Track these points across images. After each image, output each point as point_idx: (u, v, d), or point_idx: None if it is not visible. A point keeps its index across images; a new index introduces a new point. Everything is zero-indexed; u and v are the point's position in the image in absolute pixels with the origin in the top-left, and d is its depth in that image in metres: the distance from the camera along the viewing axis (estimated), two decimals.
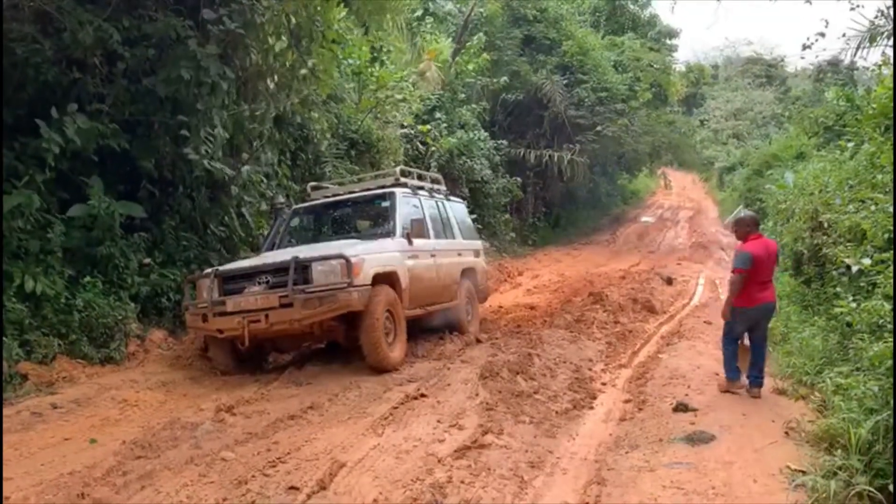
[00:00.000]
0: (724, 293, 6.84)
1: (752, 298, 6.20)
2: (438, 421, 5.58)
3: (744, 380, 6.38)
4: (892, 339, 4.37)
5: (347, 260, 7.12)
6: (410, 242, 8.38)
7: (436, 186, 10.21)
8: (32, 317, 7.17)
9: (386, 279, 7.67)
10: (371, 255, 7.62)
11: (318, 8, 10.28)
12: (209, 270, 7.79)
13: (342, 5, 11.31)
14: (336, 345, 8.18)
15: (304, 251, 7.76)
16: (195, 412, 6.17)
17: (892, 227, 5.67)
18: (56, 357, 7.21)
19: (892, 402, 4.06)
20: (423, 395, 6.31)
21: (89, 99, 8.16)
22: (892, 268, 4.94)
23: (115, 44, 8.04)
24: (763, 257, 6.15)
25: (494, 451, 4.90)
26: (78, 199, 8.09)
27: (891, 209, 5.77)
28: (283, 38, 9.54)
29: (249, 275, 7.52)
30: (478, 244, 11.00)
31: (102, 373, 7.38)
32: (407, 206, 8.85)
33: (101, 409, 6.35)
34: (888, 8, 12.74)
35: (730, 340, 6.44)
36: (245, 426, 5.69)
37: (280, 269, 7.32)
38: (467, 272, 9.90)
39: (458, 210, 10.59)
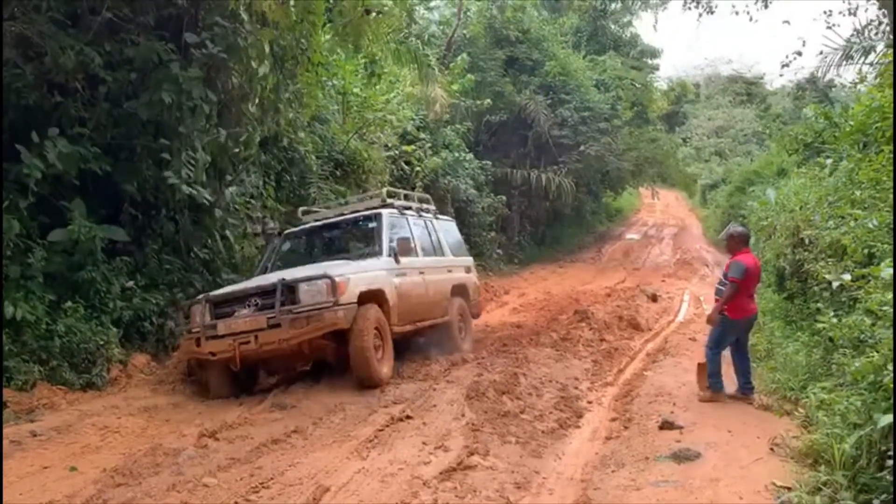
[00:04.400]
0: (707, 306, 6.96)
1: (743, 310, 6.58)
2: (424, 443, 5.54)
3: (727, 391, 6.63)
4: (873, 355, 4.40)
5: (332, 280, 7.32)
6: (397, 261, 8.56)
7: (424, 206, 10.39)
8: (12, 343, 7.09)
9: (373, 297, 7.80)
10: (357, 274, 7.82)
11: (303, 31, 10.35)
12: (200, 297, 7.94)
13: (326, 27, 11.38)
14: (321, 367, 8.17)
15: (292, 273, 7.94)
16: (177, 438, 6.10)
17: (872, 243, 5.72)
18: (36, 384, 7.11)
19: (874, 417, 4.07)
20: (408, 417, 6.28)
21: (71, 123, 8.12)
22: (873, 282, 4.98)
23: (97, 68, 8.04)
24: (753, 270, 6.55)
25: (480, 473, 4.87)
26: (59, 223, 8.03)
27: (870, 224, 5.83)
28: (266, 61, 9.56)
29: (239, 298, 7.69)
30: (468, 261, 11.17)
31: (83, 399, 7.28)
32: (394, 225, 9.05)
33: (82, 436, 6.24)
34: (864, 27, 12.99)
35: (717, 352, 6.64)
36: (228, 451, 5.62)
37: (268, 292, 7.50)
38: (458, 288, 10.05)
39: (447, 228, 10.80)
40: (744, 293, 6.54)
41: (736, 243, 6.78)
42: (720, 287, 6.77)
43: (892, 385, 3.95)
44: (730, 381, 6.76)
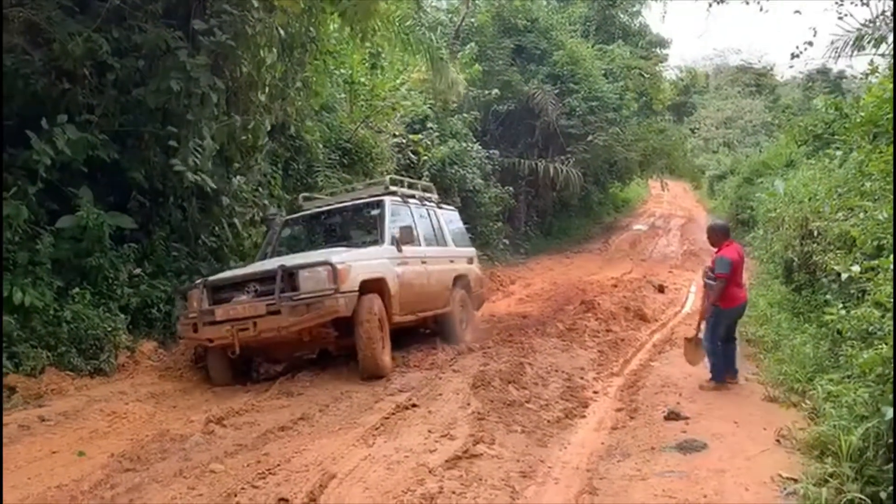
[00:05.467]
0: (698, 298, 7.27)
1: (734, 299, 6.80)
2: (430, 431, 5.55)
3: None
4: (882, 347, 4.38)
5: (333, 267, 7.17)
6: (400, 249, 8.42)
7: (427, 195, 10.27)
8: (21, 329, 7.13)
9: (374, 286, 7.66)
10: (358, 261, 7.68)
11: (312, 20, 10.31)
12: (199, 281, 7.81)
13: (334, 15, 11.34)
14: (327, 355, 8.18)
15: (293, 259, 7.81)
16: (185, 424, 6.14)
17: (881, 235, 5.69)
18: (44, 369, 7.16)
19: (881, 409, 4.06)
20: (414, 405, 6.28)
21: (79, 110, 8.15)
22: (882, 275, 4.95)
23: (105, 55, 8.05)
24: (738, 261, 6.77)
25: (486, 461, 4.87)
26: (67, 210, 8.06)
27: (880, 216, 5.80)
28: (275, 49, 9.54)
29: (238, 284, 7.57)
30: (471, 251, 11.03)
31: (91, 385, 7.32)
32: (396, 213, 8.93)
33: (90, 421, 6.29)
34: (875, 17, 12.85)
35: (716, 343, 6.84)
36: (235, 438, 5.65)
37: (267, 278, 7.38)
38: (460, 279, 9.91)
39: (450, 218, 10.65)
40: (732, 284, 6.77)
41: (718, 237, 6.99)
42: (709, 281, 6.93)
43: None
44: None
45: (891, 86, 7.21)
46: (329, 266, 7.19)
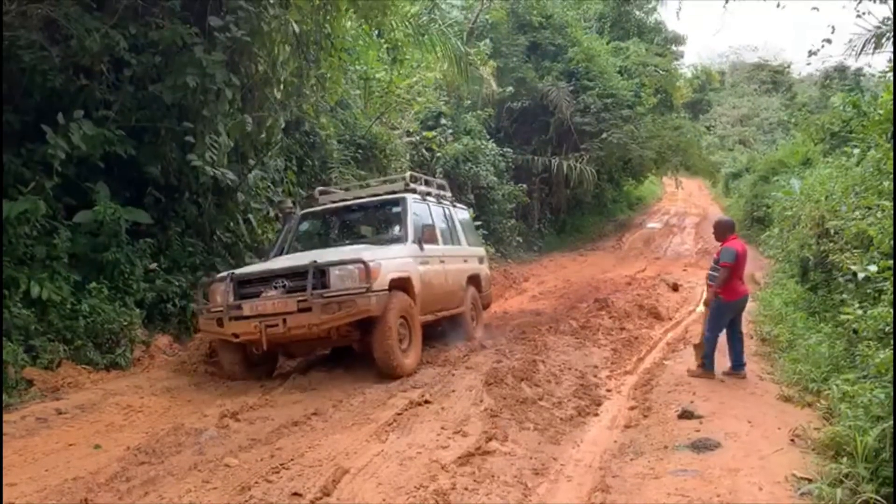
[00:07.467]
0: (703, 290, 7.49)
1: (736, 291, 7.07)
2: (442, 427, 5.56)
3: (722, 369, 7.15)
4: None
5: (366, 264, 7.05)
6: (422, 248, 8.40)
7: (442, 193, 10.25)
8: (38, 322, 7.21)
9: (400, 285, 7.60)
10: (387, 259, 7.59)
11: (327, 17, 10.33)
12: (224, 274, 7.63)
13: (349, 11, 11.35)
14: (341, 351, 8.19)
15: (320, 255, 7.63)
16: (199, 418, 6.18)
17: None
18: (61, 362, 7.24)
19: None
20: (427, 402, 6.28)
21: (96, 105, 8.22)
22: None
23: (122, 51, 8.11)
24: (742, 255, 7.03)
25: (498, 458, 4.88)
26: (84, 205, 8.14)
27: None
28: (289, 46, 9.56)
29: (265, 279, 7.38)
30: (482, 251, 11.04)
31: (107, 378, 7.40)
32: (417, 211, 8.88)
33: (106, 414, 6.37)
34: (894, 13, 12.69)
35: (715, 334, 7.09)
36: (249, 432, 5.69)
37: (297, 274, 7.22)
38: (472, 279, 9.92)
39: (462, 217, 10.64)
40: (735, 276, 7.01)
41: (723, 231, 7.26)
42: (712, 273, 7.13)
43: None
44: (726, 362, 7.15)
45: None
46: (361, 264, 7.07)
